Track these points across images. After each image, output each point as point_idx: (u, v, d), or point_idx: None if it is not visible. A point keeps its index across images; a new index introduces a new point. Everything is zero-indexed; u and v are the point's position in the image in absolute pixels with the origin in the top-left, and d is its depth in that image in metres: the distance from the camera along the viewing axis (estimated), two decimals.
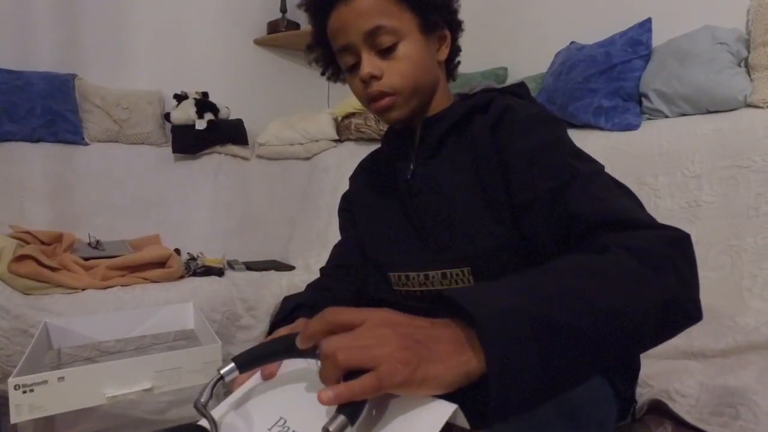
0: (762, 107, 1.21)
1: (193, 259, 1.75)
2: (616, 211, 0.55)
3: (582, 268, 0.47)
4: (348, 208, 0.89)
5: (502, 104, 0.70)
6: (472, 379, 0.40)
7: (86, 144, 2.01)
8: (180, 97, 2.20)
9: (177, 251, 1.79)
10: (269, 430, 0.45)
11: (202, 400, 0.45)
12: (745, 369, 0.97)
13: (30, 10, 1.98)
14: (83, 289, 1.40)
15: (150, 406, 1.30)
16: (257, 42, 2.58)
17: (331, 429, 0.37)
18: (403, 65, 0.68)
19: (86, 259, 1.52)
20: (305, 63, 2.83)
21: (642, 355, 1.13)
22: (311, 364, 0.48)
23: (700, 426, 0.70)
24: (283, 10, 2.54)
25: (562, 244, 0.60)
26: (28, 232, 1.51)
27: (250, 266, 1.81)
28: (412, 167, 0.76)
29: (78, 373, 0.63)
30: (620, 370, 0.72)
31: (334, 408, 0.40)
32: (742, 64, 1.32)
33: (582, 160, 0.64)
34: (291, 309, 0.73)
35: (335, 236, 0.91)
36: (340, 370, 0.39)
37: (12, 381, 0.60)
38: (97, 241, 1.67)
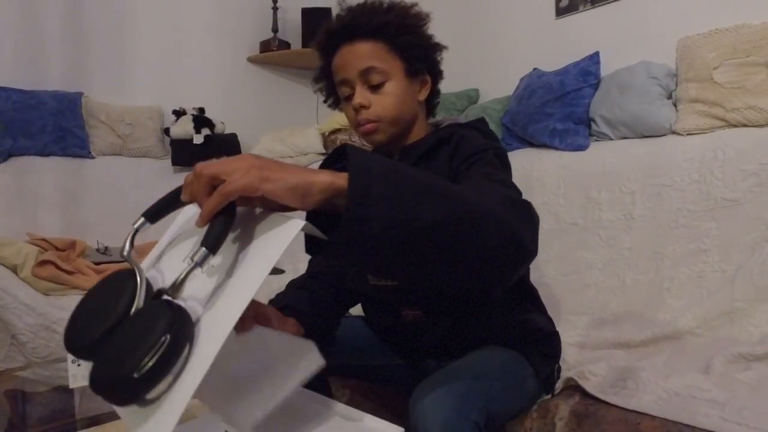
0: (682, 135, 1.42)
1: None
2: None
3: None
4: None
5: (458, 136, 0.86)
6: (316, 190, 0.47)
7: (93, 157, 2.18)
8: (178, 113, 2.37)
9: None
10: (184, 261, 0.52)
11: (125, 252, 0.52)
12: (658, 355, 1.17)
13: (41, 34, 2.15)
14: None
15: None
16: (250, 60, 2.75)
17: (194, 259, 0.45)
18: (387, 100, 0.85)
19: (97, 264, 1.70)
20: (296, 80, 3.02)
21: (578, 346, 1.34)
22: None
23: (599, 396, 0.90)
24: (275, 29, 2.71)
25: None
26: (44, 240, 1.68)
27: None
28: None
29: None
30: (539, 353, 0.91)
31: (227, 244, 0.48)
32: (672, 96, 1.52)
33: (494, 169, 0.77)
34: (279, 308, 0.85)
35: None
36: (203, 179, 0.46)
37: (70, 356, 0.80)
38: (106, 247, 1.84)
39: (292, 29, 2.78)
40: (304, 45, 2.68)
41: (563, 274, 1.56)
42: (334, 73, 0.88)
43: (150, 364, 0.41)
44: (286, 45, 2.74)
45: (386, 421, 0.58)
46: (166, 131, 2.34)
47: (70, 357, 0.79)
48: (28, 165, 2.00)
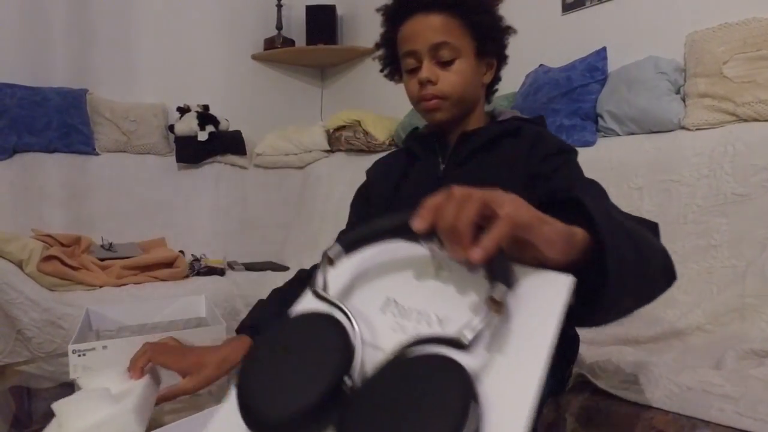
0: (691, 130, 1.40)
1: (196, 260, 1.92)
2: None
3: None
4: (367, 195, 0.96)
5: (534, 131, 0.83)
6: (578, 240, 0.45)
7: (97, 154, 2.18)
8: (183, 110, 2.37)
9: (181, 253, 1.96)
10: (381, 310, 0.42)
11: (321, 286, 0.41)
12: (668, 352, 1.15)
13: (46, 31, 2.16)
14: (101, 286, 1.58)
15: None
16: (255, 58, 2.75)
17: (496, 297, 0.36)
18: (455, 77, 0.81)
19: (102, 260, 1.69)
20: (300, 77, 3.03)
21: (586, 343, 1.32)
22: (416, 247, 0.44)
23: (610, 391, 0.89)
24: (279, 27, 2.71)
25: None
26: (49, 236, 1.68)
27: (249, 267, 1.99)
28: (442, 167, 0.87)
29: (117, 344, 0.83)
30: (555, 353, 0.89)
31: (438, 286, 0.40)
32: (680, 91, 1.51)
33: (583, 175, 0.80)
34: (248, 326, 0.82)
35: (327, 239, 1.07)
36: (475, 204, 0.38)
37: (71, 347, 0.80)
38: (110, 244, 1.84)
39: (296, 26, 2.78)
40: (309, 42, 2.68)
41: None
42: (400, 42, 0.84)
43: None
44: (290, 42, 2.74)
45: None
46: (171, 128, 2.34)
47: (71, 347, 0.78)
48: (33, 161, 2.00)
